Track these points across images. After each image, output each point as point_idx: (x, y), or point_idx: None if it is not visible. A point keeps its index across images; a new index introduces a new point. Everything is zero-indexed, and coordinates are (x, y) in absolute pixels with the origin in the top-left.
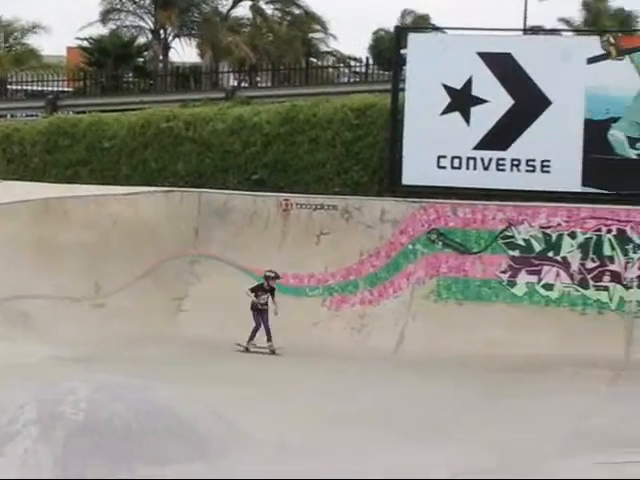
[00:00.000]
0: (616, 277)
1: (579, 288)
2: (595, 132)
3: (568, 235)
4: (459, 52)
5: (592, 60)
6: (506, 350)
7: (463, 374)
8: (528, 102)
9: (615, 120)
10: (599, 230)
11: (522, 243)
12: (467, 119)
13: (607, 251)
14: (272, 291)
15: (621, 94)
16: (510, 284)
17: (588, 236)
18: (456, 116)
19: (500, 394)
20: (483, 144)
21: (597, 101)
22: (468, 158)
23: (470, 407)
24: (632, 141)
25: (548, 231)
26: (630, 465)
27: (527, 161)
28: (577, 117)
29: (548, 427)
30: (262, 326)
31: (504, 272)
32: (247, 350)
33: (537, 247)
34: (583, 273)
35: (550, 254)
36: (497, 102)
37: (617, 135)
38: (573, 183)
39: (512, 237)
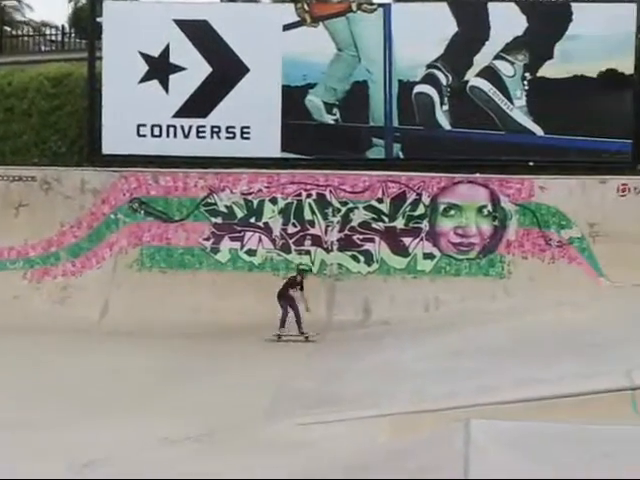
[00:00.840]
0: (317, 241)
1: (281, 253)
2: (293, 98)
3: (269, 201)
4: (155, 19)
5: (288, 27)
6: (212, 316)
7: (170, 343)
8: (226, 69)
9: (312, 86)
10: (299, 195)
11: (224, 210)
12: (166, 87)
13: (308, 215)
14: (302, 284)
15: (317, 60)
16: (214, 251)
17: (289, 201)
18: (154, 84)
19: (206, 361)
20: (183, 112)
21: (294, 67)
22: (168, 126)
23: (175, 376)
24: (328, 107)
25: (249, 197)
26: (333, 424)
27: (227, 128)
28: (275, 84)
29: (254, 391)
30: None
31: (207, 239)
32: (279, 337)
33: (239, 213)
34: (285, 238)
35: (252, 220)
36: (195, 70)
37: (314, 101)
38: (273, 149)
39: (214, 204)
